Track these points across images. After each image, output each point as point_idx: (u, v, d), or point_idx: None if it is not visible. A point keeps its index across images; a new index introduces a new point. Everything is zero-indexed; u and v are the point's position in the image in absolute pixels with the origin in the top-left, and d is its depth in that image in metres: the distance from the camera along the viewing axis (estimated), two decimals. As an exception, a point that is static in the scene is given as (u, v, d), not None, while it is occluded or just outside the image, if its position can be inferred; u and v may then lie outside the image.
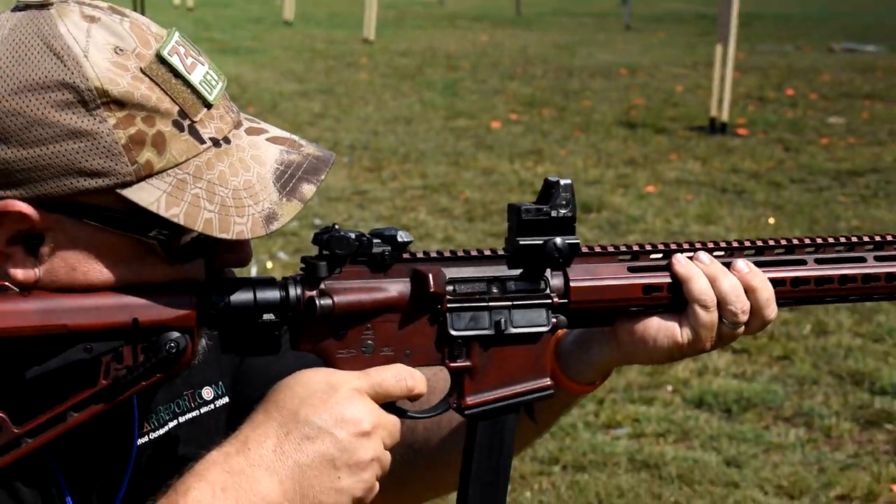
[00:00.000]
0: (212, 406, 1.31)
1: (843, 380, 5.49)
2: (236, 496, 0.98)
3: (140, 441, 1.22)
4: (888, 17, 26.77)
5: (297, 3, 27.37)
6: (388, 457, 1.07)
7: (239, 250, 1.15)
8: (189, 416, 1.28)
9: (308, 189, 1.09)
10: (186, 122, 1.05)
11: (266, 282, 1.13)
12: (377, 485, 1.06)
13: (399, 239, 1.13)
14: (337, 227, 1.12)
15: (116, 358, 1.05)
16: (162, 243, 1.06)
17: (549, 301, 1.17)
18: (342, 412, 1.04)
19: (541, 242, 1.14)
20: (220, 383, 1.33)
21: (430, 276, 1.12)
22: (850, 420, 5.14)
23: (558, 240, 1.14)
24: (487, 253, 1.19)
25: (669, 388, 5.30)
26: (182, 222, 1.02)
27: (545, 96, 15.30)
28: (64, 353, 1.03)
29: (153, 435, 1.24)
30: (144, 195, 1.02)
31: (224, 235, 1.04)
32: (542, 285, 1.17)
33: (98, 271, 1.05)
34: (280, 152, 1.11)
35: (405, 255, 1.15)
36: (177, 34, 1.09)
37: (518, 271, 1.16)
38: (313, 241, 1.14)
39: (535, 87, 16.13)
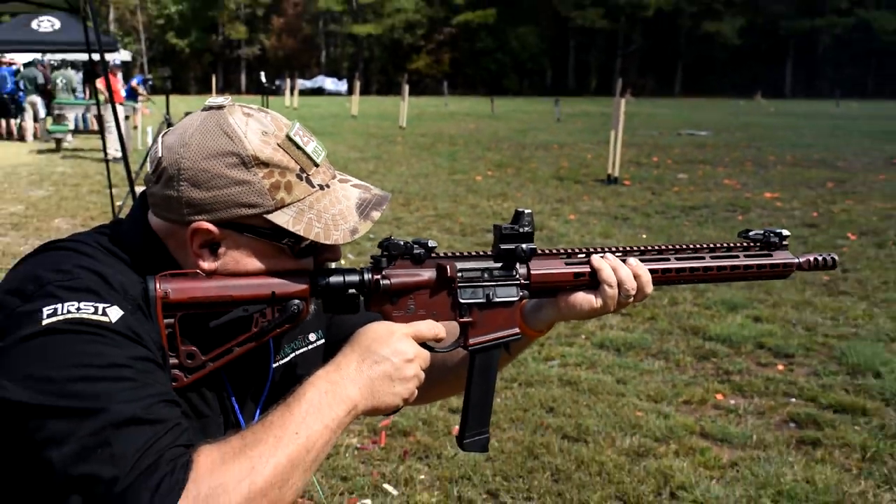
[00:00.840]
0: (315, 345, 1.77)
1: (686, 332, 7.01)
2: (333, 396, 1.38)
3: (274, 365, 1.67)
4: (713, 115, 41.65)
5: (359, 105, 40.15)
6: (423, 375, 1.51)
7: (334, 251, 1.59)
8: (301, 350, 1.74)
9: (375, 215, 1.54)
10: (304, 175, 1.50)
11: (350, 270, 1.56)
12: (416, 391, 1.50)
13: (429, 245, 1.58)
14: (392, 237, 1.57)
15: (262, 315, 1.50)
16: (289, 247, 1.50)
17: (518, 282, 1.63)
18: (396, 346, 1.47)
19: (513, 247, 1.61)
20: (319, 331, 1.79)
21: (448, 266, 1.58)
22: (691, 355, 6.50)
23: (524, 246, 1.61)
24: (482, 253, 1.64)
25: (583, 336, 6.73)
26: (302, 234, 1.47)
27: (508, 161, 20.14)
28: (231, 312, 1.50)
29: (281, 361, 1.69)
30: (280, 218, 1.46)
31: (326, 242, 1.49)
32: (514, 273, 1.63)
33: (252, 264, 1.50)
34: (359, 192, 1.57)
35: (433, 255, 1.59)
36: (298, 123, 1.53)
37: (500, 264, 1.62)
38: (378, 245, 1.59)
39: (502, 155, 21.52)
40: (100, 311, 1.29)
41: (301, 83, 60.72)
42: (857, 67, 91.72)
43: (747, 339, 6.73)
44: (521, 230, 1.60)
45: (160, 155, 1.46)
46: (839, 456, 4.81)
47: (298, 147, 1.48)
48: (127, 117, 20.84)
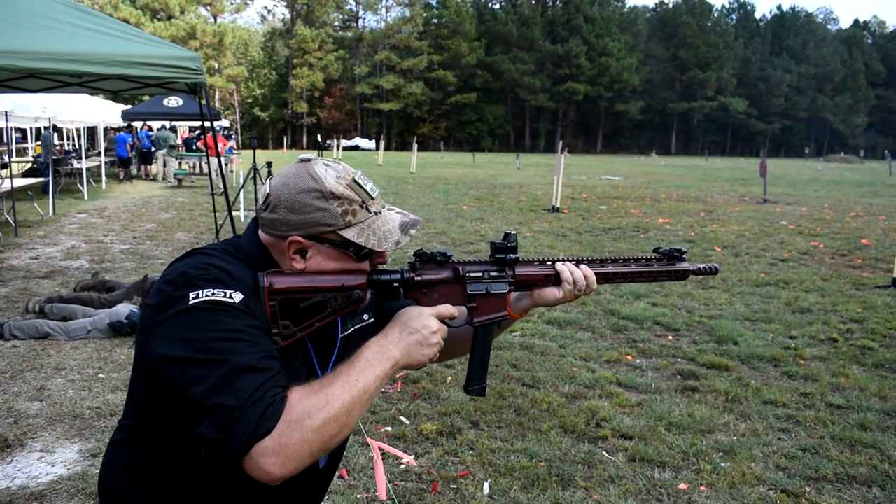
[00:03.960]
0: (367, 322, 1.71)
1: (607, 313, 6.96)
2: (381, 355, 1.37)
3: (341, 335, 1.62)
4: (623, 166, 41.29)
5: (383, 157, 40.35)
6: (443, 343, 1.47)
7: (383, 257, 1.57)
8: (359, 326, 1.68)
9: (413, 232, 1.53)
10: (364, 205, 1.49)
11: (394, 270, 1.56)
12: (438, 354, 1.46)
13: (447, 254, 1.56)
14: (422, 248, 1.56)
15: (335, 300, 1.46)
16: (354, 253, 1.49)
17: (507, 280, 1.60)
18: (425, 322, 1.45)
19: (504, 256, 1.60)
20: (371, 312, 1.73)
21: (460, 268, 1.57)
22: (609, 329, 6.47)
23: (511, 255, 1.60)
24: (482, 259, 1.62)
25: (536, 316, 6.62)
26: (363, 244, 1.47)
27: (484, 196, 19.47)
28: (313, 298, 1.46)
29: (345, 333, 1.64)
30: (348, 234, 1.47)
31: (379, 250, 1.48)
32: (506, 273, 1.60)
33: (329, 265, 1.49)
34: (401, 217, 1.56)
35: (450, 261, 1.57)
36: (360, 171, 1.53)
37: (496, 267, 1.60)
38: (413, 254, 1.57)
39: (481, 192, 20.82)
40: (227, 295, 1.32)
41: (344, 142, 60.74)
42: (719, 134, 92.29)
43: (648, 318, 6.69)
44: (508, 245, 1.60)
45: (268, 191, 1.50)
46: (711, 398, 4.78)
47: (360, 186, 1.49)
48: (226, 164, 20.88)
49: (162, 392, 1.35)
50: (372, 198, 1.51)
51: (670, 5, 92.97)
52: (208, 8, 71.87)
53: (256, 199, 10.06)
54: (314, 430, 1.21)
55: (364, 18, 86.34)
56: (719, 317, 6.81)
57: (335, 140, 55.02)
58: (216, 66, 65.74)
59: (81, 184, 17.40)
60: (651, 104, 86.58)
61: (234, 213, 9.24)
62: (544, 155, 65.51)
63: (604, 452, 3.96)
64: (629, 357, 5.64)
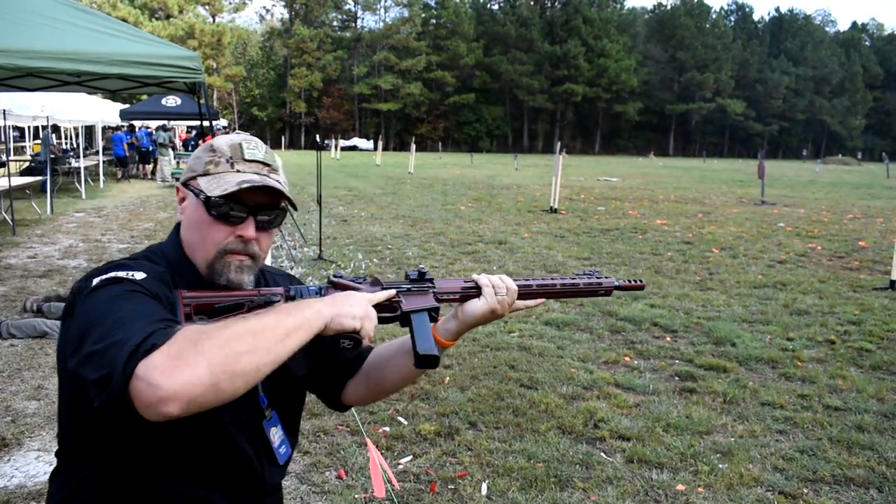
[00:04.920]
0: None
1: (605, 314, 6.95)
2: (297, 305, 1.22)
3: None
4: (621, 167, 40.43)
5: (382, 157, 40.72)
6: (371, 322, 1.30)
7: (246, 230, 1.39)
8: None
9: (245, 186, 1.35)
10: (231, 161, 1.38)
11: (314, 287, 1.44)
12: (367, 328, 1.28)
13: (418, 275, 1.51)
14: (342, 275, 1.46)
15: (250, 302, 1.36)
16: (205, 204, 1.36)
17: (430, 289, 1.50)
18: (355, 294, 1.32)
19: (425, 277, 1.52)
20: None
21: (394, 290, 1.46)
22: (608, 330, 6.48)
23: (428, 276, 1.52)
24: (409, 280, 1.51)
25: (534, 317, 6.36)
26: (202, 188, 1.36)
27: (482, 196, 19.49)
28: (229, 300, 1.36)
29: None
30: (201, 180, 1.37)
31: (209, 193, 1.35)
32: (428, 287, 1.50)
33: (190, 217, 1.42)
34: (258, 177, 1.37)
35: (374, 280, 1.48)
36: (258, 141, 1.43)
37: (420, 285, 1.50)
38: (328, 280, 1.46)
39: (479, 192, 20.93)
40: (129, 274, 1.24)
41: (342, 142, 60.70)
42: (717, 136, 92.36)
43: (646, 320, 6.69)
44: (426, 275, 1.52)
45: None
46: (708, 399, 4.78)
47: (239, 147, 1.38)
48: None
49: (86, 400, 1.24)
50: (244, 159, 1.39)
51: (668, 7, 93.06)
52: (207, 7, 71.79)
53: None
54: (213, 344, 1.05)
55: (363, 18, 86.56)
56: (717, 318, 6.82)
57: (333, 140, 55.02)
58: (214, 65, 65.63)
59: (79, 183, 17.36)
60: (649, 105, 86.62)
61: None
62: (542, 156, 65.54)
63: (602, 453, 3.96)
64: (627, 358, 5.64)
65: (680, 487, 3.58)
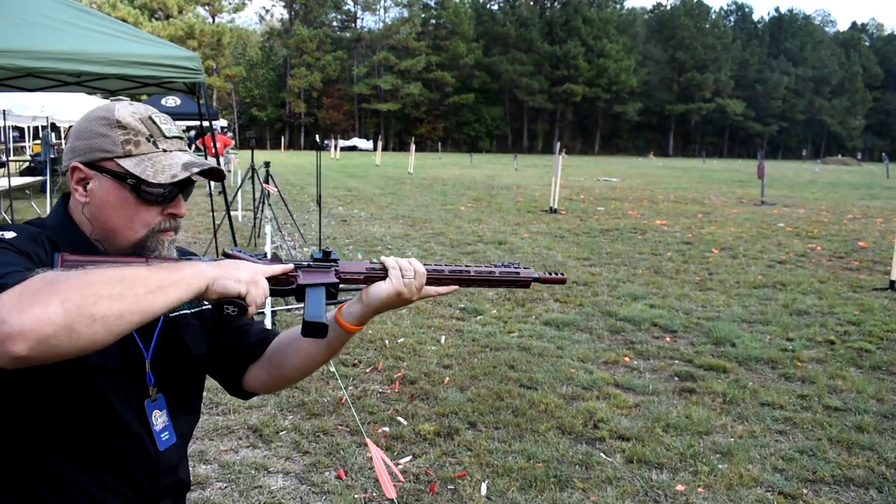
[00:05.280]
0: (207, 307, 1.54)
1: (604, 314, 6.99)
2: (178, 264, 1.16)
3: (170, 313, 1.44)
4: (620, 168, 40.34)
5: (381, 157, 40.85)
6: (258, 289, 1.22)
7: (177, 207, 1.37)
8: (196, 310, 1.53)
9: (195, 170, 1.33)
10: (152, 140, 1.32)
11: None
12: (254, 293, 1.21)
13: (323, 255, 1.44)
14: (236, 249, 1.39)
15: None
16: (133, 188, 1.31)
17: (332, 267, 1.42)
18: (245, 262, 1.26)
19: (330, 257, 1.44)
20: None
21: (292, 265, 1.38)
22: (607, 330, 6.49)
23: (334, 256, 1.44)
24: (312, 261, 1.44)
25: (534, 317, 6.62)
26: (137, 174, 1.29)
27: (482, 197, 19.49)
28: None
29: (177, 313, 1.47)
30: (126, 163, 1.30)
31: (154, 181, 1.29)
32: (331, 266, 1.42)
33: (108, 200, 1.32)
34: (191, 158, 1.35)
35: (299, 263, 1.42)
36: (165, 116, 1.38)
37: (324, 264, 1.43)
38: (222, 253, 1.38)
39: (478, 193, 20.85)
40: None
41: (342, 142, 60.71)
42: (717, 136, 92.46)
43: (645, 320, 6.69)
44: (332, 257, 1.44)
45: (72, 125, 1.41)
46: (708, 400, 4.78)
47: (154, 123, 1.33)
48: (225, 164, 20.87)
49: None
50: (165, 136, 1.34)
51: (668, 7, 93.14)
52: (206, 8, 71.78)
53: (254, 199, 10.06)
54: (71, 285, 0.98)
55: (362, 19, 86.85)
56: (717, 318, 6.81)
57: (333, 140, 55.01)
58: (214, 65, 65.64)
59: (79, 183, 17.29)
60: (649, 106, 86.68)
61: (232, 213, 9.23)
62: (542, 156, 65.57)
63: (601, 454, 3.96)
64: (627, 358, 5.64)
65: (679, 488, 3.58)
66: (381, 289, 1.43)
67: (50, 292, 0.96)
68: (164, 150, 1.32)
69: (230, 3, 75.54)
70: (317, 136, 11.66)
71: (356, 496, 3.46)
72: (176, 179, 1.30)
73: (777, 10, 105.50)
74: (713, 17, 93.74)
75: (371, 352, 5.69)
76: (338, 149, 51.60)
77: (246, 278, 1.20)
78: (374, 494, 3.48)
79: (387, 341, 5.94)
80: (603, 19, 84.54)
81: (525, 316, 6.83)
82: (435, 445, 4.03)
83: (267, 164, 10.64)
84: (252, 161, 12.49)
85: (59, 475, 1.28)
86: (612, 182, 28.13)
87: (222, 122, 34.59)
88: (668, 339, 6.20)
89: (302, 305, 1.41)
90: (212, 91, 63.83)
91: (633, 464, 3.84)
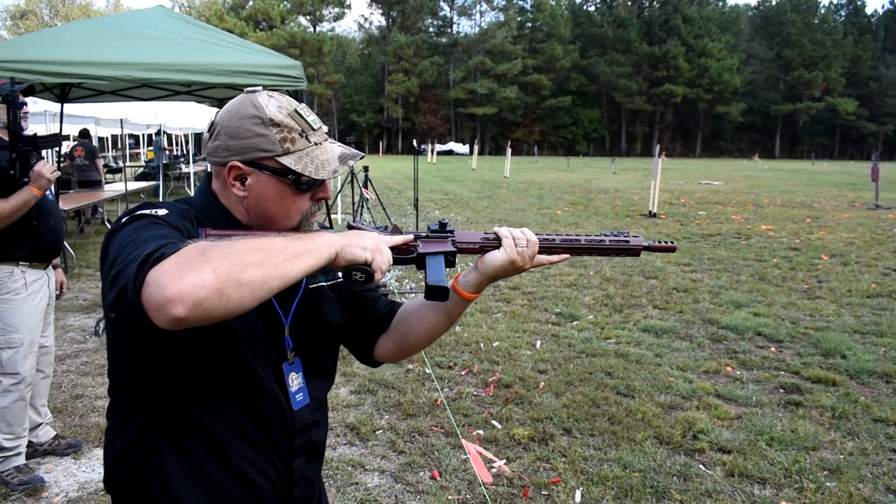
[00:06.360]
0: (340, 280, 1.65)
1: (705, 322, 6.76)
2: (308, 236, 1.24)
3: (308, 283, 1.54)
4: (723, 170, 39.16)
5: (477, 161, 41.55)
6: (382, 256, 1.30)
7: (325, 191, 1.47)
8: (333, 282, 1.62)
9: (351, 163, 1.43)
10: (304, 134, 1.40)
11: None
12: (379, 261, 1.29)
13: (439, 226, 1.51)
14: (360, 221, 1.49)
15: None
16: (293, 182, 1.40)
17: (449, 237, 1.50)
18: (369, 232, 1.34)
19: (446, 228, 1.51)
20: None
21: (412, 235, 1.48)
22: (708, 339, 6.27)
23: (449, 227, 1.52)
24: (430, 232, 1.52)
25: (632, 323, 5.92)
26: (300, 171, 1.38)
27: (579, 200, 19.27)
28: None
29: (315, 284, 1.56)
30: (286, 160, 1.38)
31: (316, 177, 1.38)
32: (448, 236, 1.50)
33: (267, 193, 1.41)
34: (341, 149, 1.45)
35: (419, 234, 1.50)
36: (304, 105, 1.44)
37: (441, 234, 1.50)
38: (347, 226, 1.46)
39: (575, 196, 20.62)
40: (153, 211, 1.31)
41: (438, 147, 61.28)
42: (827, 137, 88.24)
43: (749, 329, 6.46)
44: (448, 228, 1.52)
45: (214, 120, 1.45)
46: (816, 414, 4.58)
47: (302, 117, 1.41)
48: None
49: (121, 337, 1.36)
50: (313, 129, 1.43)
51: (774, 3, 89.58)
52: (308, 17, 73.90)
53: (353, 204, 10.26)
54: (220, 254, 1.08)
55: (458, 24, 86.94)
56: (826, 329, 6.51)
57: (430, 145, 55.57)
58: (315, 73, 67.49)
59: (189, 187, 18.17)
60: (753, 106, 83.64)
61: (332, 217, 9.44)
62: (641, 159, 64.32)
63: (700, 465, 3.85)
64: (729, 368, 5.46)
65: (784, 504, 3.44)
66: (495, 257, 1.51)
67: (202, 261, 1.06)
68: (316, 144, 1.42)
69: (330, 13, 77.63)
70: (414, 141, 11.82)
71: (450, 497, 3.49)
72: (337, 175, 1.41)
73: (892, 2, 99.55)
74: (822, 11, 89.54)
75: (466, 355, 5.72)
76: (434, 153, 52.10)
77: (371, 246, 1.28)
78: (468, 497, 3.50)
79: (482, 345, 5.96)
80: (704, 17, 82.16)
81: (623, 322, 6.72)
82: (529, 450, 4.01)
83: (366, 169, 10.86)
84: (351, 166, 12.80)
85: (211, 432, 1.39)
86: (714, 185, 27.28)
87: (323, 128, 35.72)
88: (773, 349, 5.96)
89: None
90: (313, 98, 65.66)
91: (733, 477, 3.71)
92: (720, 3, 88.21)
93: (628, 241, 1.60)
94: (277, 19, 69.38)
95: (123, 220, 1.30)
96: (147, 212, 1.30)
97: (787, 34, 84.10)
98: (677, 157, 72.25)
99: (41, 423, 4.01)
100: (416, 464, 3.84)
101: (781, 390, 5.02)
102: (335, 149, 1.45)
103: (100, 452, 3.99)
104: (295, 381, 1.50)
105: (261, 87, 1.47)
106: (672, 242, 1.67)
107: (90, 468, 3.85)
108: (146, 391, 1.38)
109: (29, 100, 3.82)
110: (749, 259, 10.21)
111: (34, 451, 3.95)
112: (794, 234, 12.89)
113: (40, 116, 13.06)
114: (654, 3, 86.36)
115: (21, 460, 3.69)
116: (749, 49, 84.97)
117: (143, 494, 1.40)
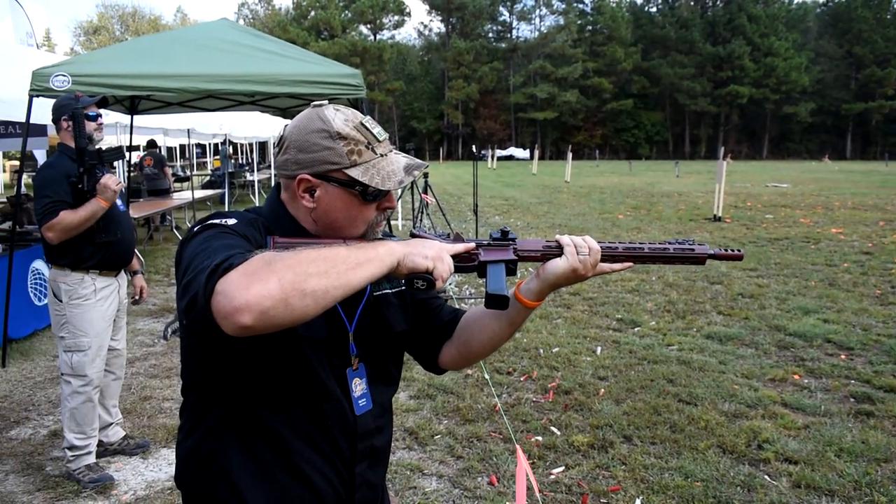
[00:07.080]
0: (402, 288, 1.67)
1: (771, 328, 6.59)
2: (373, 244, 1.28)
3: (371, 290, 1.56)
4: (791, 173, 37.38)
5: (538, 166, 40.63)
6: (443, 265, 1.32)
7: (391, 201, 1.49)
8: (397, 290, 1.64)
9: (416, 173, 1.45)
10: (370, 146, 1.43)
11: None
12: (440, 269, 1.31)
13: (501, 234, 1.51)
14: (422, 229, 1.48)
15: None
16: (360, 193, 1.43)
17: (510, 245, 1.49)
18: (431, 241, 1.37)
19: (508, 236, 1.51)
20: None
21: (473, 243, 1.48)
22: (774, 346, 6.11)
23: (511, 235, 1.51)
24: (492, 240, 1.52)
25: (695, 329, 5.89)
26: (367, 182, 1.40)
27: (641, 205, 19.13)
28: None
29: (379, 292, 1.58)
30: (353, 172, 1.41)
31: (383, 188, 1.40)
32: (509, 244, 1.50)
33: (335, 204, 1.44)
34: (406, 160, 1.47)
35: (481, 243, 1.50)
36: (369, 117, 1.47)
37: (503, 242, 1.49)
38: (410, 234, 1.48)
39: (637, 201, 20.44)
40: (223, 221, 1.35)
41: (499, 152, 61.24)
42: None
43: (818, 336, 6.27)
44: (509, 236, 1.51)
45: (283, 135, 1.48)
46: (888, 425, 4.41)
47: (367, 129, 1.43)
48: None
49: (192, 341, 1.42)
50: (378, 141, 1.45)
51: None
52: (368, 26, 74.80)
53: (413, 209, 10.32)
54: (285, 265, 1.11)
55: (518, 29, 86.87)
56: (900, 335, 6.27)
57: (490, 150, 55.58)
58: (376, 80, 68.24)
59: (254, 195, 18.57)
60: (823, 105, 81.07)
61: (391, 222, 9.52)
62: (705, 162, 63.04)
63: (765, 476, 3.75)
64: (796, 376, 5.31)
65: (854, 517, 3.32)
66: (557, 265, 1.51)
67: (269, 271, 1.10)
68: (382, 155, 1.45)
69: (390, 21, 78.40)
70: (474, 147, 11.86)
71: (508, 503, 3.48)
72: (403, 185, 1.45)
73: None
74: (894, 7, 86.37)
75: (525, 361, 5.70)
76: (495, 158, 52.08)
77: (432, 255, 1.31)
78: (526, 503, 3.49)
79: (541, 350, 5.93)
80: (770, 16, 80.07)
81: (685, 328, 6.60)
82: (588, 457, 3.97)
83: (426, 175, 10.93)
84: (417, 177, 12.94)
85: (277, 434, 1.43)
86: (781, 188, 26.54)
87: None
88: (843, 356, 5.77)
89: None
90: (374, 105, 66.41)
91: (800, 489, 3.61)
92: (787, 1, 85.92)
93: (693, 249, 1.57)
94: (339, 28, 70.41)
95: (195, 229, 1.35)
96: (217, 221, 1.35)
97: (858, 31, 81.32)
98: (743, 160, 70.57)
99: (111, 423, 4.15)
100: (473, 469, 3.85)
101: (852, 399, 4.85)
102: (400, 159, 1.47)
103: (167, 453, 4.11)
104: (358, 386, 1.52)
105: (327, 101, 1.51)
106: (739, 250, 1.63)
107: (157, 468, 3.97)
108: (215, 392, 1.44)
109: (102, 111, 3.97)
110: (818, 264, 9.90)
111: (104, 450, 4.09)
112: (866, 238, 12.45)
113: (111, 128, 13.53)
114: (718, 2, 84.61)
115: (92, 459, 3.83)
116: (817, 47, 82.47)
117: (211, 492, 1.45)
